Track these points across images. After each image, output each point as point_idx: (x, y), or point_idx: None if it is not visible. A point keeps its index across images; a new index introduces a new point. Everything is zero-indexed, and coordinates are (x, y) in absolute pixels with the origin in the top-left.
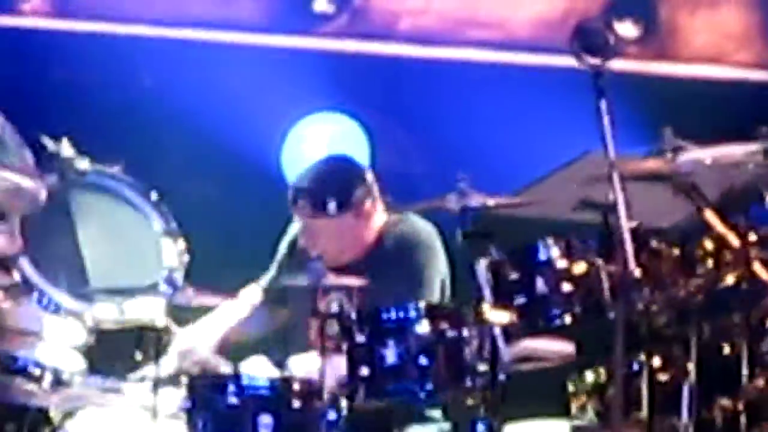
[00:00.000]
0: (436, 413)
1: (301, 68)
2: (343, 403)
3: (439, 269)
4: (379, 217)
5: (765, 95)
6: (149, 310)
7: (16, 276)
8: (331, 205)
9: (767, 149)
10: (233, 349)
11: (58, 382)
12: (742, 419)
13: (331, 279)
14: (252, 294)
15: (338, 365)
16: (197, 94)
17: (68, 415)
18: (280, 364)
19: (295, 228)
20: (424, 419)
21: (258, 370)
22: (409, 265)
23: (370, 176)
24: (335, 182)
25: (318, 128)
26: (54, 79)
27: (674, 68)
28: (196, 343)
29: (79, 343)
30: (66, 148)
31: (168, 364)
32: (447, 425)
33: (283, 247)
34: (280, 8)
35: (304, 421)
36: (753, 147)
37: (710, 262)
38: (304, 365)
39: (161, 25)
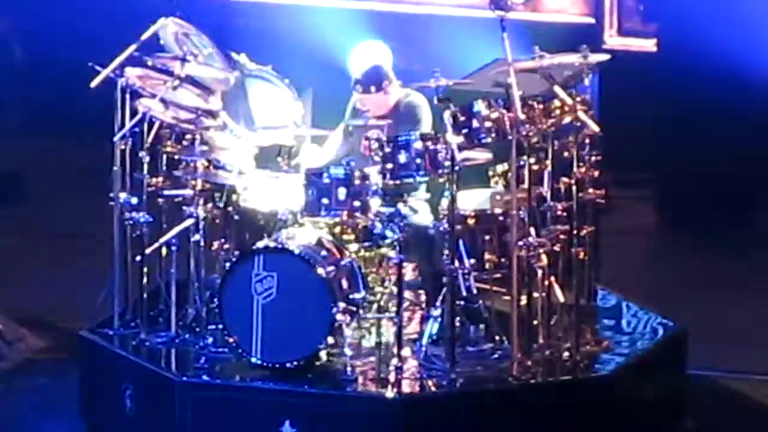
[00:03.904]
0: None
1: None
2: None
3: (427, 118)
4: (396, 91)
5: (581, 30)
6: (284, 137)
7: (219, 121)
8: (372, 89)
9: (585, 56)
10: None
11: (240, 172)
12: (573, 189)
13: (373, 121)
14: (340, 131)
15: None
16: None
17: (245, 189)
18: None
19: (354, 98)
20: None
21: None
22: (412, 115)
23: (391, 72)
24: (373, 77)
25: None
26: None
27: (540, 16)
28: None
29: (250, 153)
30: (242, 58)
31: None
32: (428, 195)
33: (350, 108)
34: None
35: (360, 189)
36: (577, 55)
37: (558, 111)
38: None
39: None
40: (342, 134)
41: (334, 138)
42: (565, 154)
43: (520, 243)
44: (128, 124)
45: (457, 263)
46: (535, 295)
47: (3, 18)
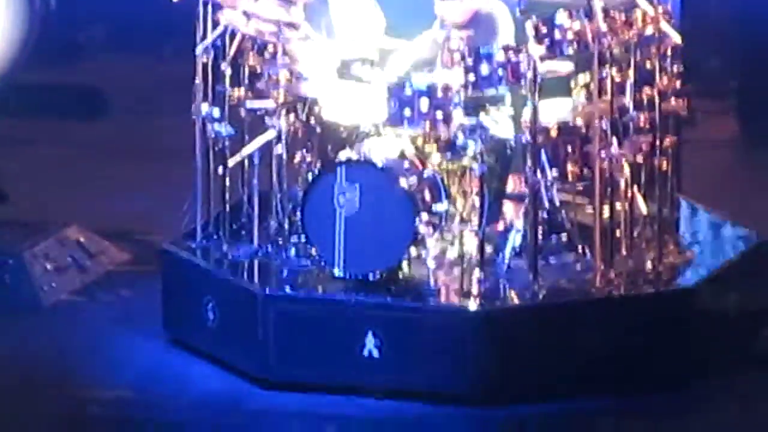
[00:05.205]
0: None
1: None
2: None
3: (505, 31)
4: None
5: None
6: (366, 48)
7: (301, 33)
8: None
9: None
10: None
11: (322, 84)
12: (656, 100)
13: (455, 33)
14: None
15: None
16: None
17: (327, 101)
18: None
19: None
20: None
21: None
22: (490, 27)
23: None
24: None
25: None
26: None
27: None
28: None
29: (332, 65)
30: None
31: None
32: (510, 109)
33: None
34: None
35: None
36: None
37: (639, 22)
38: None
39: None
40: (427, 44)
41: (419, 45)
42: (647, 65)
43: (603, 154)
44: (210, 37)
45: (539, 174)
46: (618, 206)
47: None
